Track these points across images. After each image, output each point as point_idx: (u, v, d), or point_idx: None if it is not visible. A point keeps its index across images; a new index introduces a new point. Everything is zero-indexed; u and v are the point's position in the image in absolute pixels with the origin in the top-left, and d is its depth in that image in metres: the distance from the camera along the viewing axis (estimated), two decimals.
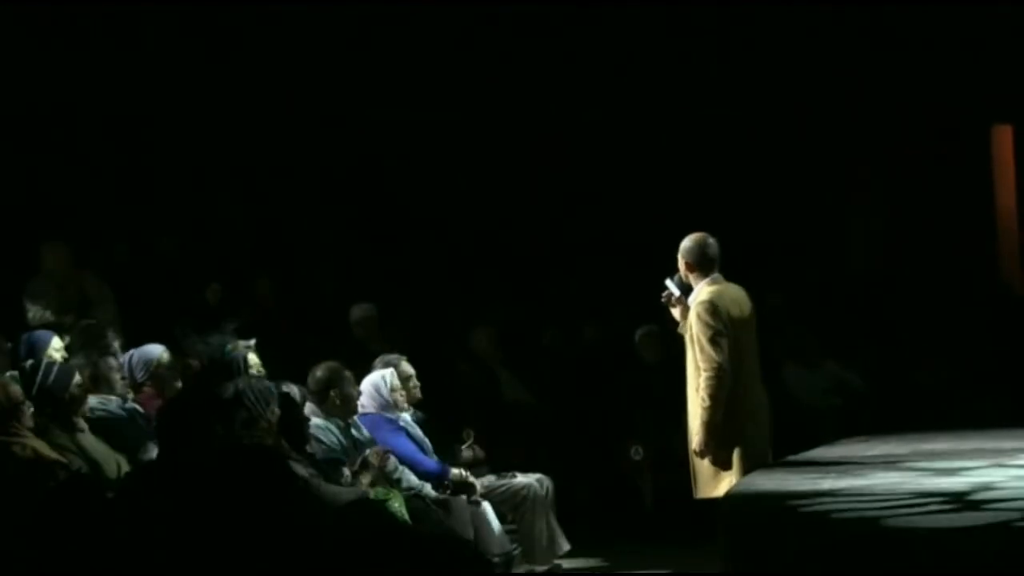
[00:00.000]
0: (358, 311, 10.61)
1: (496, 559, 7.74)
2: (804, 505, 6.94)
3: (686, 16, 13.74)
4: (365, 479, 7.52)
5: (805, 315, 12.09)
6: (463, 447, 8.67)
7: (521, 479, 8.50)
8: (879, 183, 14.14)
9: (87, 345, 8.04)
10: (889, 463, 8.25)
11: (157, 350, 8.01)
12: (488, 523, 7.99)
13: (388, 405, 8.29)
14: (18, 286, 9.97)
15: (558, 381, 10.91)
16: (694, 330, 7.14)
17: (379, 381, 8.34)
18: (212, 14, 12.97)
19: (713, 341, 7.08)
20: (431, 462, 8.21)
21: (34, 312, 9.57)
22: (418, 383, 8.67)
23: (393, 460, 7.95)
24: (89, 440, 6.78)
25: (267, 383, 7.40)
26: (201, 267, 11.13)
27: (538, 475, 8.61)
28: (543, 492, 8.47)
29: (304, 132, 13.39)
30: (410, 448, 8.15)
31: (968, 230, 13.65)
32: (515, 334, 11.28)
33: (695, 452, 7.28)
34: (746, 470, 7.21)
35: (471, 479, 8.20)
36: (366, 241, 12.90)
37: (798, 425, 10.73)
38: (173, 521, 4.87)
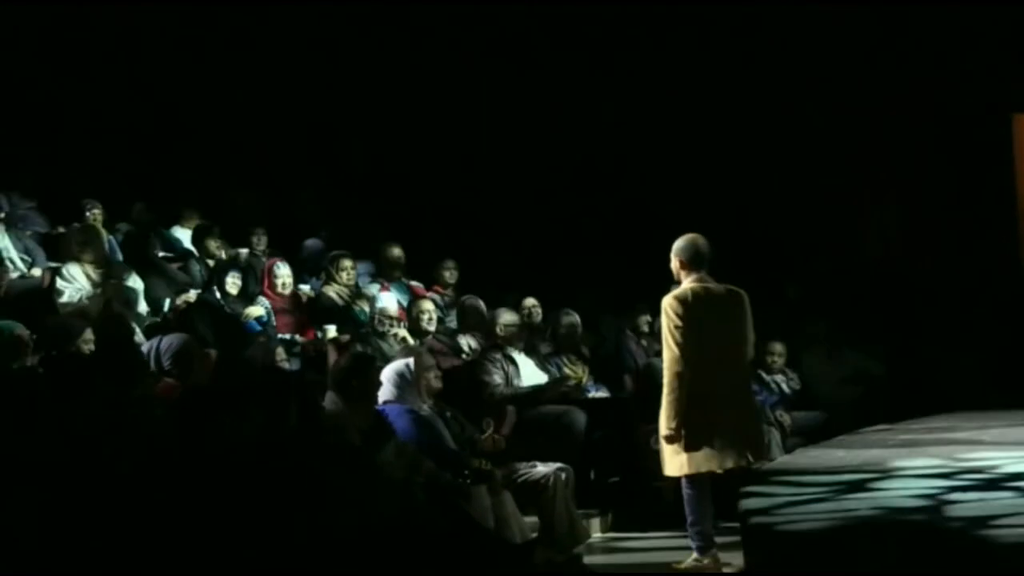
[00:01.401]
0: (380, 303, 10.64)
1: (516, 548, 7.74)
2: (824, 494, 6.96)
3: (703, 13, 13.74)
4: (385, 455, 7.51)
5: (823, 305, 12.07)
6: (483, 436, 8.66)
7: (541, 468, 8.49)
8: (897, 172, 14.11)
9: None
10: (911, 451, 8.27)
11: (183, 339, 8.03)
12: (508, 512, 7.98)
13: (409, 395, 8.30)
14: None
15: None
16: (662, 321, 7.77)
17: (401, 370, 8.34)
18: (231, 7, 13.00)
19: (673, 334, 7.66)
20: (451, 452, 8.22)
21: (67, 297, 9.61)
22: (439, 373, 8.67)
23: (413, 448, 7.97)
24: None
25: (287, 373, 7.43)
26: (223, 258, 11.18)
27: (558, 464, 8.59)
28: (563, 481, 8.46)
29: (319, 123, 13.42)
30: (430, 438, 8.15)
31: (988, 219, 13.61)
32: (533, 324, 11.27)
33: (663, 436, 7.81)
34: (706, 457, 7.70)
35: (491, 468, 8.20)
36: (384, 230, 12.91)
37: (818, 414, 10.74)
38: (183, 510, 4.88)
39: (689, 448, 7.72)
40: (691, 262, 7.82)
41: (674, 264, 7.90)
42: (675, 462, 7.81)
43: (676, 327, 7.65)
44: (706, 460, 7.71)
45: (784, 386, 10.95)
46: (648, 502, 9.94)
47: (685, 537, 8.63)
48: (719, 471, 7.77)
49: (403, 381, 8.31)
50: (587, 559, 8.39)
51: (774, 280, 12.76)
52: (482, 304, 11.24)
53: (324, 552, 4.28)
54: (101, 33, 12.43)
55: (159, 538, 4.96)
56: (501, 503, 7.98)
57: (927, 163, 13.89)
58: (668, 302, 7.75)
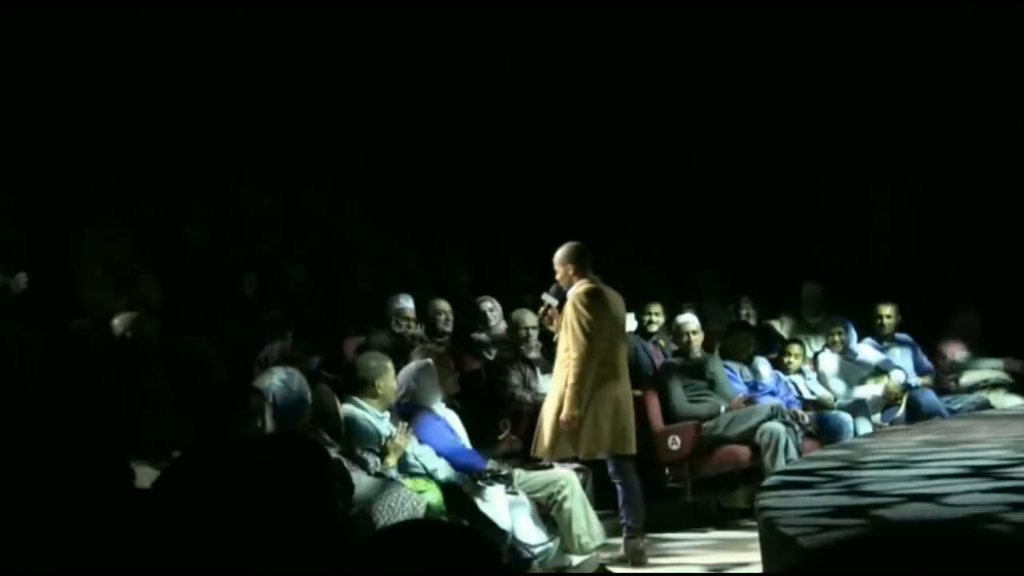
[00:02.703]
0: (397, 303, 10.60)
1: (532, 551, 7.73)
2: (843, 494, 6.93)
3: (717, 4, 13.73)
4: (391, 460, 7.51)
5: (839, 304, 12.03)
6: (500, 437, 8.65)
7: (558, 469, 8.47)
8: (909, 168, 14.07)
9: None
10: (930, 450, 8.22)
11: (200, 341, 8.01)
12: (525, 514, 7.96)
13: (426, 396, 8.28)
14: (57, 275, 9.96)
15: None
16: (568, 316, 8.29)
17: (418, 371, 8.33)
18: (242, 5, 13.00)
19: (584, 328, 8.23)
20: (468, 453, 8.20)
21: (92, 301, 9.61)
22: (456, 374, 8.66)
23: (430, 450, 7.96)
24: None
25: (301, 375, 7.42)
26: (233, 258, 11.13)
27: (575, 465, 8.57)
28: (581, 482, 8.44)
29: (335, 120, 13.39)
30: (448, 439, 8.14)
31: (1002, 217, 13.55)
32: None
33: (563, 421, 8.26)
34: (620, 440, 8.43)
35: (508, 470, 8.19)
36: (400, 230, 12.89)
37: (835, 414, 10.69)
38: (207, 513, 4.86)
39: (603, 432, 8.35)
40: (579, 267, 8.43)
41: (565, 271, 8.45)
42: (572, 447, 8.34)
43: (587, 321, 8.22)
44: (623, 443, 8.43)
45: (801, 386, 10.91)
46: (666, 502, 9.92)
47: (704, 536, 8.66)
48: (629, 453, 8.49)
49: (420, 382, 8.29)
50: (604, 560, 8.36)
51: (793, 277, 12.73)
52: (494, 305, 11.20)
53: (332, 553, 4.26)
54: (108, 31, 12.41)
55: (172, 536, 4.95)
56: (518, 504, 7.96)
57: (941, 157, 13.85)
58: (576, 298, 8.30)
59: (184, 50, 12.85)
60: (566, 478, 8.35)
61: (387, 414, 7.90)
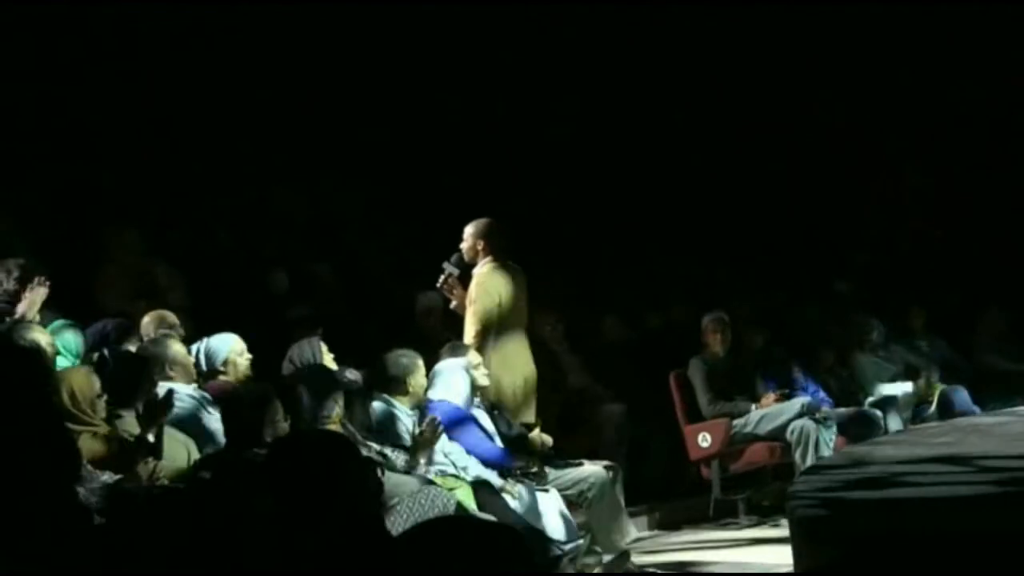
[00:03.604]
0: (424, 300, 10.60)
1: (562, 548, 7.73)
2: (875, 491, 6.91)
3: (730, 6, 13.76)
4: (421, 457, 7.51)
5: (868, 302, 12.02)
6: (530, 435, 8.64)
7: (588, 467, 8.47)
8: (932, 164, 14.05)
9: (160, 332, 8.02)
10: (961, 447, 8.20)
11: (230, 339, 8.01)
12: (555, 511, 7.96)
13: (457, 394, 8.29)
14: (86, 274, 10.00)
15: (621, 370, 10.86)
16: (471, 294, 8.50)
17: (451, 370, 8.33)
18: (263, 6, 13.04)
19: (482, 306, 8.43)
20: (498, 450, 8.20)
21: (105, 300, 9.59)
22: (485, 372, 8.67)
23: (460, 447, 7.96)
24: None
25: (331, 372, 7.44)
26: (262, 256, 11.14)
27: (605, 462, 8.58)
28: (610, 480, 8.44)
29: (361, 120, 13.41)
30: (477, 436, 8.14)
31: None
32: (577, 323, 11.24)
33: None
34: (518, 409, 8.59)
35: (538, 467, 8.19)
36: (426, 229, 12.89)
37: (865, 412, 10.67)
38: (244, 512, 4.87)
39: (508, 396, 8.57)
40: (489, 245, 8.55)
41: (473, 244, 8.55)
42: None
43: (487, 300, 8.41)
44: (523, 414, 8.57)
45: (832, 384, 10.90)
46: (695, 499, 9.93)
47: (734, 533, 8.63)
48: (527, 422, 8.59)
49: (451, 379, 8.30)
50: (634, 557, 8.36)
51: (823, 276, 12.73)
52: None
53: (362, 548, 4.25)
54: (117, 30, 12.45)
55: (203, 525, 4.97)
56: (548, 501, 7.96)
57: (964, 151, 13.84)
58: (480, 278, 8.48)
59: (197, 49, 12.88)
60: (596, 475, 8.34)
61: (417, 411, 7.92)
